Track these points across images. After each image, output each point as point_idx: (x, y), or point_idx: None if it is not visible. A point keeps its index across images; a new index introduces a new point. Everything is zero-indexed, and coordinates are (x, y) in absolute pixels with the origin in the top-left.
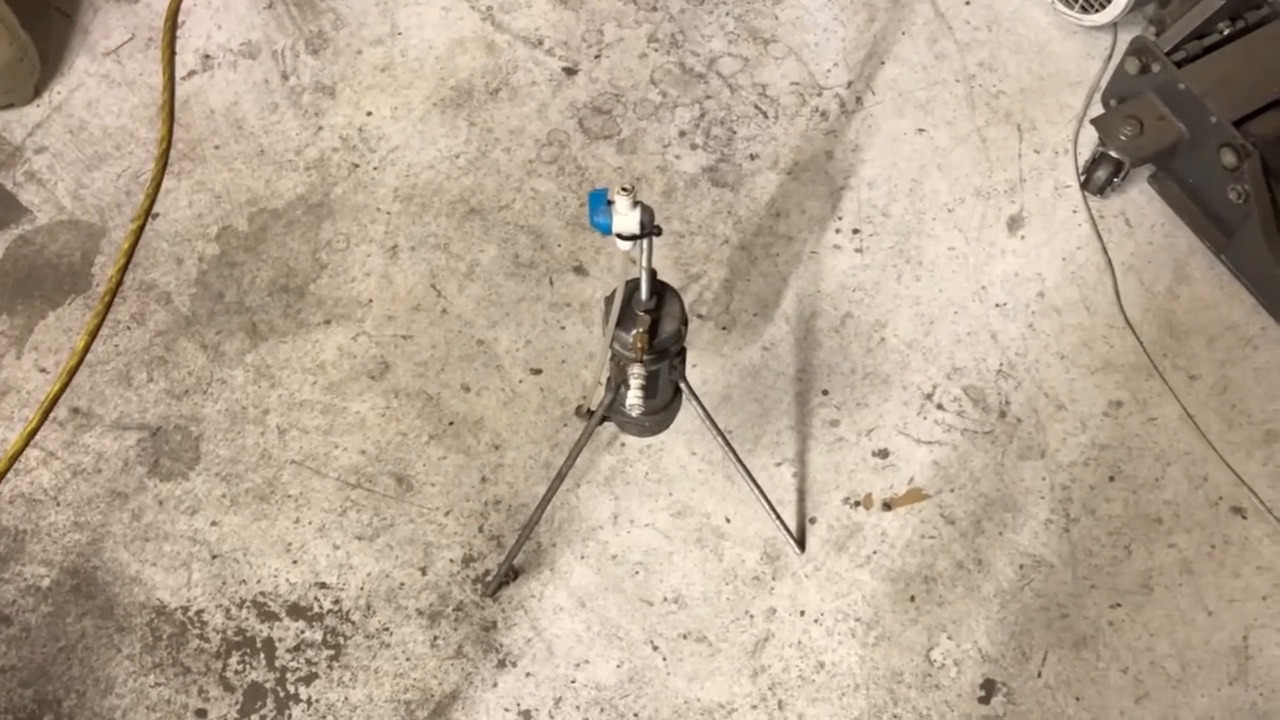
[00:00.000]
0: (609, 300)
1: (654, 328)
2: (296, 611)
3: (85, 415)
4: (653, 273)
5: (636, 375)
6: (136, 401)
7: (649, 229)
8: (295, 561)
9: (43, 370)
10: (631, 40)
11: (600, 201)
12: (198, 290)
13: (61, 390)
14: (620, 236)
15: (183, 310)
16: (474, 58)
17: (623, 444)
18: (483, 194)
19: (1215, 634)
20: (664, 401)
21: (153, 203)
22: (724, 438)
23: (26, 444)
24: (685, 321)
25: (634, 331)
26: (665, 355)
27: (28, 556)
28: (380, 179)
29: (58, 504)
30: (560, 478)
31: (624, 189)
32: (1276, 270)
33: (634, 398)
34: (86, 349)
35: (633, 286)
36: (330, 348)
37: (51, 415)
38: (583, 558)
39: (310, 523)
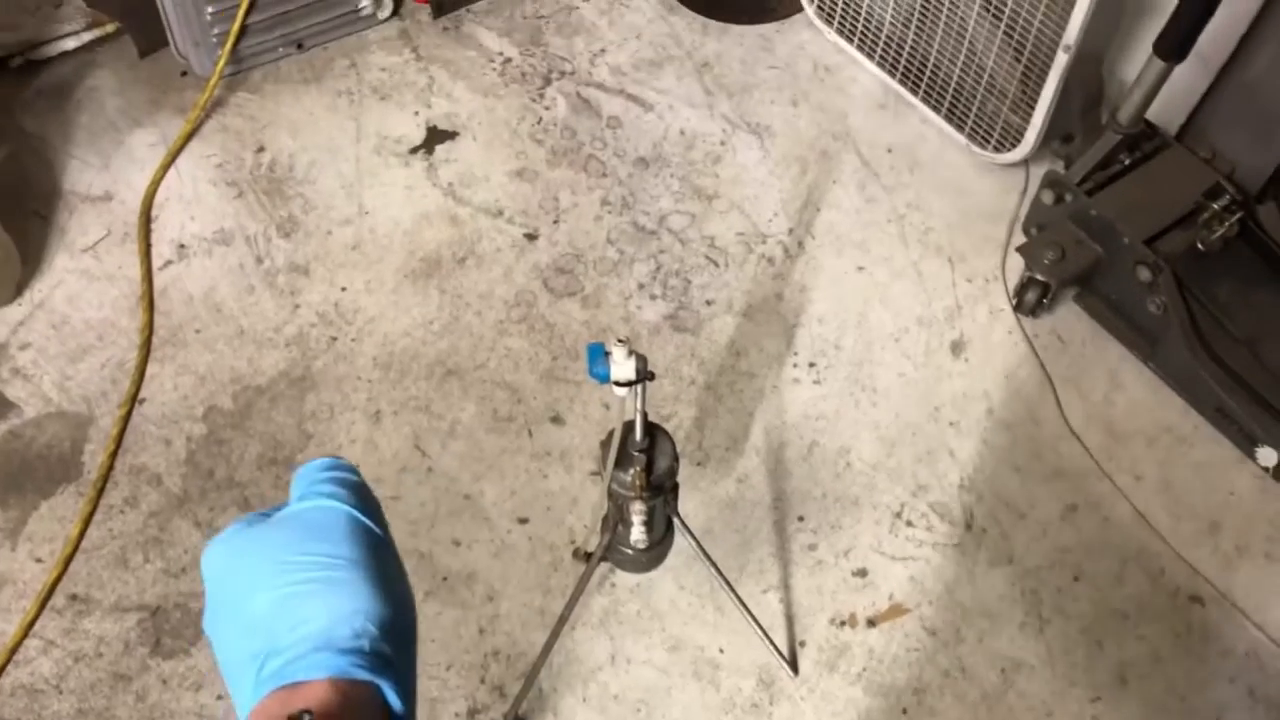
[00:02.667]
0: (604, 444)
1: (649, 466)
2: None
3: (84, 601)
4: (645, 415)
5: (638, 512)
6: (134, 583)
7: (644, 374)
8: None
9: (38, 560)
10: (585, 205)
11: (598, 353)
12: (188, 470)
13: (58, 578)
14: (617, 384)
15: (174, 490)
16: (439, 231)
17: (613, 584)
18: (458, 356)
19: None
20: (659, 536)
21: (138, 389)
22: (716, 567)
23: (25, 635)
24: (677, 458)
25: (632, 471)
26: (661, 491)
27: None
28: (359, 349)
29: (60, 692)
30: (563, 621)
31: (620, 340)
32: (1200, 372)
33: (638, 533)
34: (81, 536)
35: (627, 429)
36: None
37: (49, 604)
38: (585, 700)
39: None
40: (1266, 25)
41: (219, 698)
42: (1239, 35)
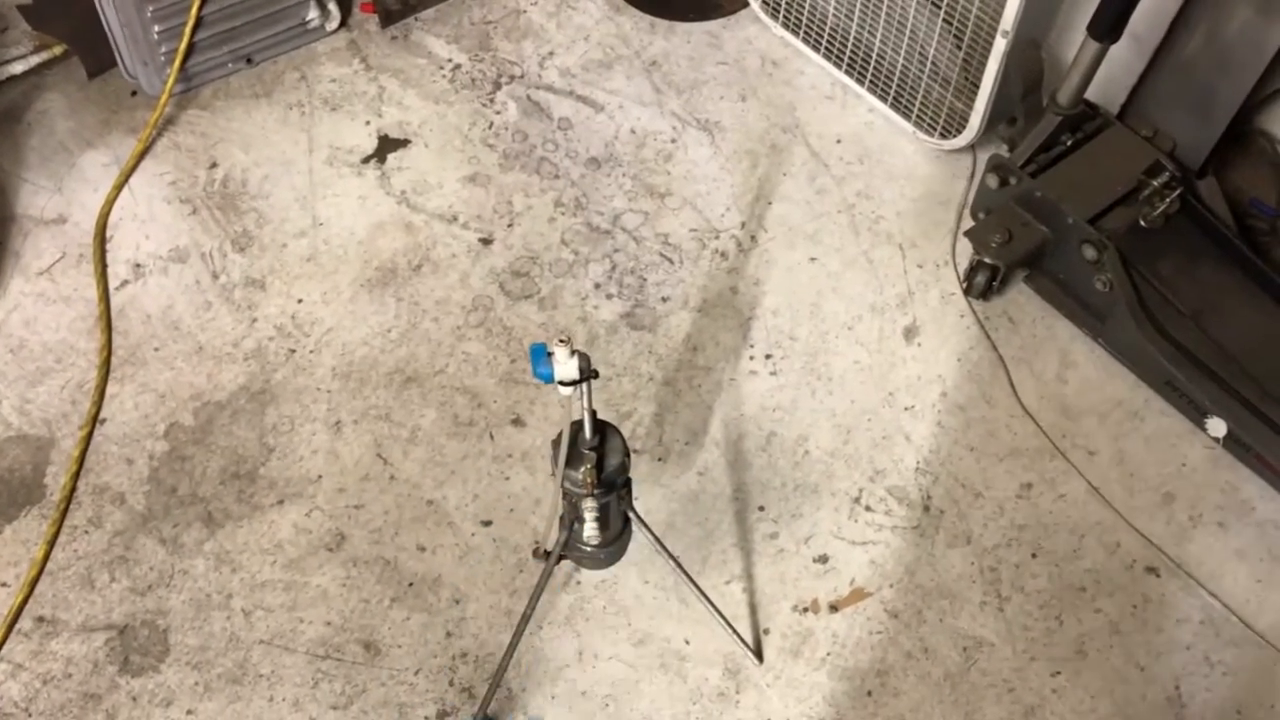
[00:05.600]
0: (555, 444)
1: (600, 463)
2: None
3: (50, 622)
4: (593, 413)
5: (590, 509)
6: (101, 602)
7: (587, 373)
8: None
9: (3, 584)
10: (539, 207)
11: (541, 354)
12: (151, 487)
13: (24, 601)
14: (562, 383)
15: (138, 508)
16: (394, 239)
17: (578, 581)
18: (417, 363)
19: (1149, 688)
20: (616, 532)
21: (99, 409)
22: (675, 560)
23: None
24: (628, 454)
25: (582, 469)
26: (613, 488)
27: None
28: (317, 360)
29: (29, 715)
30: (525, 620)
31: (561, 340)
32: (1149, 347)
33: (591, 530)
34: (46, 558)
35: (576, 427)
36: (286, 526)
37: (16, 627)
38: (553, 698)
39: (284, 699)
40: (1197, 4)
41: (189, 713)
42: (1171, 15)
